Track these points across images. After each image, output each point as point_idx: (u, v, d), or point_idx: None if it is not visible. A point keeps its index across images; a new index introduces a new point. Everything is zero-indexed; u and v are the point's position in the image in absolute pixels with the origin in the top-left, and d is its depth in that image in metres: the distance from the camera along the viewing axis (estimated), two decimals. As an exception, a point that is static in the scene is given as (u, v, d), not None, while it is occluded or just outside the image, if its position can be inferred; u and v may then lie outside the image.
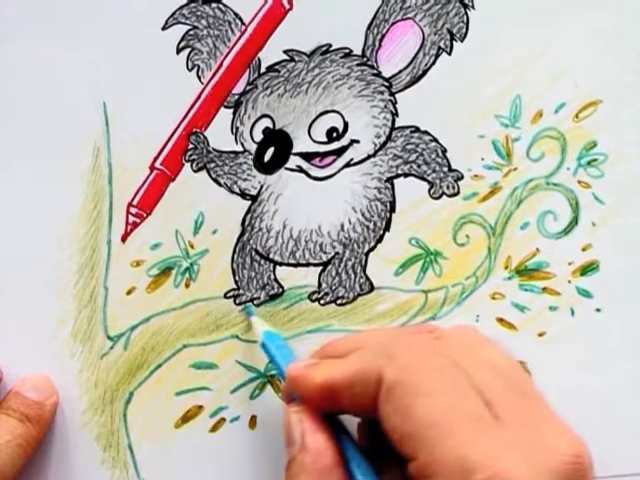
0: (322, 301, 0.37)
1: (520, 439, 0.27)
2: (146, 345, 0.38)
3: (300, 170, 0.37)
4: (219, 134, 0.37)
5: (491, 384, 0.28)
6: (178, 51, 0.38)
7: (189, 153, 0.38)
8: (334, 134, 0.37)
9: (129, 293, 0.38)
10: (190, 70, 0.38)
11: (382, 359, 0.29)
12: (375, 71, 0.37)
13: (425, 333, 0.32)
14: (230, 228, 0.38)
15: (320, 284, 0.38)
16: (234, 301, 0.37)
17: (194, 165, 0.38)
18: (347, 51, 0.37)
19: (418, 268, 0.37)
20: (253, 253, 0.38)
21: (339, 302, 0.37)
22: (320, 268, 0.38)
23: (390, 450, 0.29)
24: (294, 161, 0.37)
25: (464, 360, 0.29)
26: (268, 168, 0.37)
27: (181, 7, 0.37)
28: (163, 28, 0.38)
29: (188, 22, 0.37)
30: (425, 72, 0.37)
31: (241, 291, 0.38)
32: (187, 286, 0.38)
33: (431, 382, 0.28)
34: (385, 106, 0.37)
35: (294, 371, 0.32)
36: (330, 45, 0.37)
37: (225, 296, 0.38)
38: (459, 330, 0.33)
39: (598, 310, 0.37)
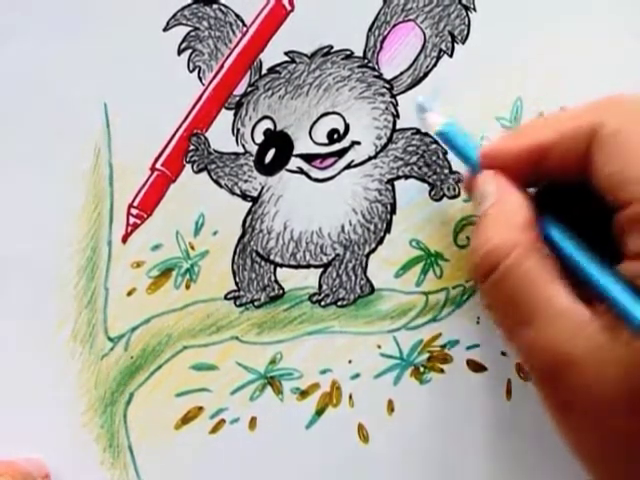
0: (323, 303, 0.37)
1: None
2: (146, 346, 0.38)
3: (301, 172, 0.37)
4: (220, 135, 0.37)
5: None
6: (179, 52, 0.38)
7: (190, 154, 0.38)
8: (335, 136, 0.37)
9: (129, 294, 0.38)
10: (191, 71, 0.38)
11: (600, 110, 0.30)
12: (376, 73, 0.37)
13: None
14: (231, 229, 0.38)
15: (321, 286, 0.38)
16: (234, 302, 0.38)
17: (195, 166, 0.38)
18: (348, 53, 0.37)
19: (419, 270, 0.37)
20: (254, 254, 0.38)
21: (340, 304, 0.37)
22: (321, 270, 0.38)
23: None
24: (295, 163, 0.37)
25: None
26: (269, 169, 0.37)
27: (182, 8, 0.37)
28: (164, 29, 0.38)
29: (189, 23, 0.37)
30: (426, 74, 0.37)
31: (242, 292, 0.38)
32: (187, 287, 0.38)
33: None
34: (386, 108, 0.37)
35: (492, 143, 0.32)
36: (331, 47, 0.37)
37: (225, 297, 0.38)
38: None
39: (598, 312, 0.37)
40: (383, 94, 0.37)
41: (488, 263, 0.30)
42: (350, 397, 0.37)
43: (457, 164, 0.37)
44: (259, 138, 0.37)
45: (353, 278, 0.37)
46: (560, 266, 0.30)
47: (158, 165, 0.38)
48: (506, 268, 0.29)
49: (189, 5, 0.37)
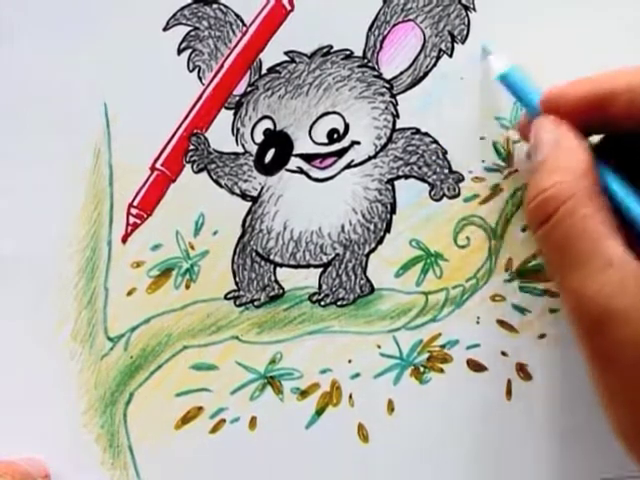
0: (322, 302, 0.37)
1: None
2: (146, 346, 0.38)
3: (301, 171, 0.37)
4: (220, 135, 0.37)
5: None
6: (179, 52, 0.38)
7: (190, 154, 0.38)
8: (335, 135, 0.37)
9: (129, 294, 0.38)
10: (191, 71, 0.38)
11: None
12: (376, 73, 0.37)
13: None
14: (230, 229, 0.38)
15: (320, 285, 0.38)
16: (234, 302, 0.38)
17: (195, 166, 0.38)
18: (348, 52, 0.37)
19: (419, 270, 0.37)
20: (254, 254, 0.38)
21: (339, 303, 0.37)
22: (320, 269, 0.38)
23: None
24: (295, 162, 0.37)
25: None
26: (269, 169, 0.37)
27: (182, 8, 0.37)
28: (164, 29, 0.38)
29: (189, 23, 0.38)
30: (426, 74, 0.37)
31: (241, 292, 0.38)
32: (187, 287, 0.38)
33: None
34: (386, 107, 0.37)
35: (557, 87, 0.31)
36: (331, 46, 0.37)
37: (225, 297, 0.38)
38: None
39: (598, 312, 0.37)
40: (383, 94, 0.37)
41: (544, 211, 0.29)
42: (350, 397, 0.37)
43: (457, 164, 0.37)
44: (259, 138, 0.37)
45: (353, 278, 0.37)
46: (616, 217, 0.29)
47: (158, 165, 0.38)
48: (562, 215, 0.29)
49: (189, 5, 0.37)
